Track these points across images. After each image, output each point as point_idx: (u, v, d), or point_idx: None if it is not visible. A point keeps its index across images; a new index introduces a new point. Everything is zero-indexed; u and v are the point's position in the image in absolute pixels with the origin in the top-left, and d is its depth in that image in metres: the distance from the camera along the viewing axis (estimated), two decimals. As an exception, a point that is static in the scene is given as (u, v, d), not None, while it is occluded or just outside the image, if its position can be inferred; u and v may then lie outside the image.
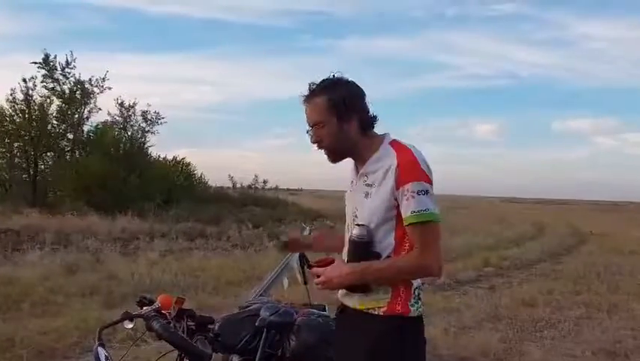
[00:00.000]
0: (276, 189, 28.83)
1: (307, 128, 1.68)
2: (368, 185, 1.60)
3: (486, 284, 7.84)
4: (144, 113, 21.29)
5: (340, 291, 1.67)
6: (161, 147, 35.69)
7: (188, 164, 22.86)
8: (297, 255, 3.15)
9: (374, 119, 1.66)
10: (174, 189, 20.11)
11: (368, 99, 1.67)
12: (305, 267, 3.13)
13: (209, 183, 24.31)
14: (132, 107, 21.13)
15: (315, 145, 1.67)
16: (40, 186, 18.96)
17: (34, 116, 18.66)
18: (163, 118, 21.68)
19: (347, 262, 1.62)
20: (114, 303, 5.55)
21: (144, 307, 1.72)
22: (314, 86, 1.65)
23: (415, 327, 1.59)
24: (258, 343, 2.14)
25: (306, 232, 3.60)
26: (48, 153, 19.67)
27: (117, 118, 21.14)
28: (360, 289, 1.58)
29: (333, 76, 1.66)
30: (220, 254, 9.66)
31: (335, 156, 1.68)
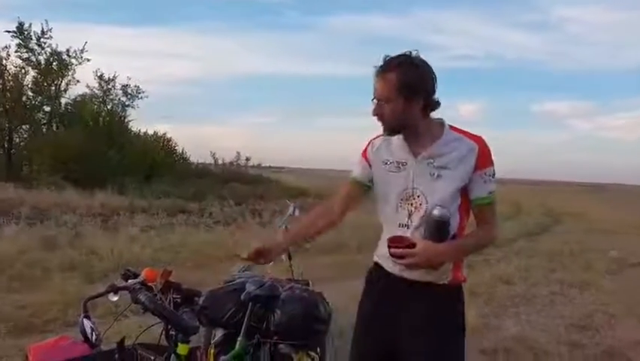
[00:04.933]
0: (259, 166, 28.62)
1: (372, 97, 1.69)
2: (439, 167, 1.66)
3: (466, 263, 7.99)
4: (124, 87, 20.81)
5: (394, 266, 1.71)
6: (141, 121, 34.98)
7: (170, 139, 22.53)
8: (282, 230, 3.17)
9: (438, 104, 1.70)
10: (155, 165, 19.83)
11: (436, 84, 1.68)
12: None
13: (190, 159, 24.06)
14: (112, 80, 20.61)
15: (375, 118, 1.70)
16: (16, 160, 18.51)
17: (8, 87, 18.09)
18: (144, 92, 21.24)
19: (427, 240, 1.65)
20: (94, 278, 5.51)
21: (129, 280, 1.71)
22: (388, 60, 1.66)
23: (463, 289, 1.79)
24: (242, 316, 2.15)
25: (290, 209, 3.62)
26: (23, 126, 19.15)
27: (96, 91, 20.62)
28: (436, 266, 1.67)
29: (410, 53, 1.66)
30: (202, 230, 9.62)
31: (391, 131, 1.72)
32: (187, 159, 23.59)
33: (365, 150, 1.85)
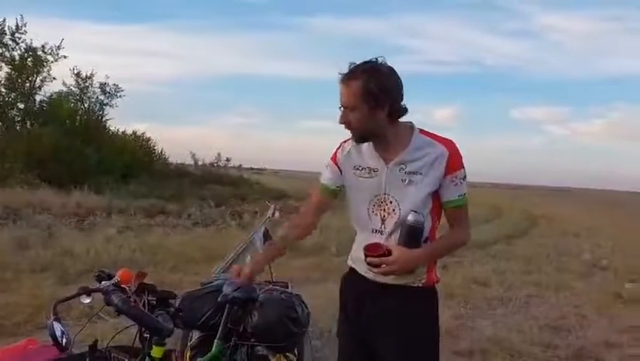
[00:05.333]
0: (240, 167, 28.47)
1: (339, 105, 1.68)
2: (411, 173, 1.67)
3: (440, 264, 8.05)
4: (102, 86, 20.53)
5: (367, 270, 1.71)
6: (120, 121, 34.54)
7: (149, 139, 22.28)
8: (260, 232, 3.16)
9: (405, 110, 1.70)
10: (133, 165, 19.56)
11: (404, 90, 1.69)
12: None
13: (169, 159, 23.81)
14: (89, 78, 20.32)
15: (343, 125, 1.70)
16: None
17: (-21, 83, 17.65)
18: (122, 91, 20.99)
19: (400, 245, 1.66)
20: (68, 280, 5.39)
21: (103, 282, 1.68)
22: (353, 68, 1.65)
23: (437, 290, 1.81)
24: (219, 319, 2.13)
25: (271, 211, 3.61)
26: (-4, 123, 18.70)
27: (73, 89, 20.27)
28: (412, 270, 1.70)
29: (376, 60, 1.65)
30: (180, 232, 9.50)
31: (360, 138, 1.72)
32: (166, 160, 23.36)
33: (335, 154, 1.84)
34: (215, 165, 26.22)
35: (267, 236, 3.10)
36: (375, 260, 1.64)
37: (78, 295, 1.62)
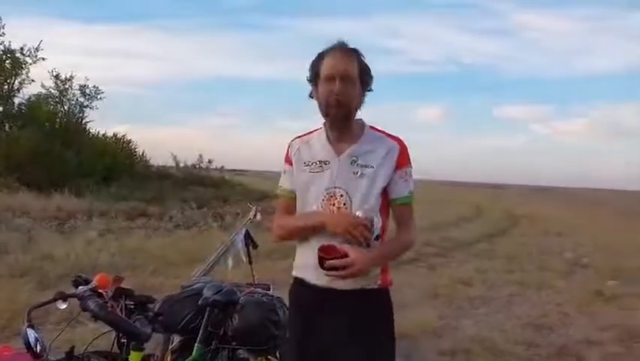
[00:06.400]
0: (222, 169, 28.27)
1: (328, 74, 1.60)
2: (362, 166, 1.62)
3: (424, 264, 8.10)
4: (82, 88, 20.21)
5: (322, 277, 1.59)
6: (100, 123, 34.02)
7: (130, 141, 22.00)
8: (242, 234, 3.13)
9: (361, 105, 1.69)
10: (114, 167, 19.30)
11: None
12: (250, 247, 3.12)
13: (151, 161, 23.54)
14: (69, 80, 19.97)
15: (333, 99, 1.60)
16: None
17: (-44, 85, 17.26)
18: (102, 93, 20.69)
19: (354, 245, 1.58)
20: (48, 284, 5.28)
21: (80, 287, 1.65)
22: (346, 45, 1.63)
23: (390, 293, 1.73)
24: (200, 322, 2.11)
25: (252, 213, 3.58)
26: (-27, 126, 18.30)
27: (52, 91, 19.92)
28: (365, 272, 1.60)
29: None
30: (162, 234, 9.40)
31: (344, 116, 1.63)
32: (147, 162, 23.10)
33: (287, 154, 1.76)
34: (197, 166, 26.00)
35: (248, 238, 3.09)
36: (336, 263, 1.52)
37: (54, 300, 1.59)
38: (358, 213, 1.56)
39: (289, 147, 1.76)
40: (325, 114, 1.65)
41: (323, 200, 1.64)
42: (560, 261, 8.69)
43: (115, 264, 6.24)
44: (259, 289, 2.44)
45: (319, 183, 1.65)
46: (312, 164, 1.67)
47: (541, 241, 11.31)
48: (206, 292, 2.11)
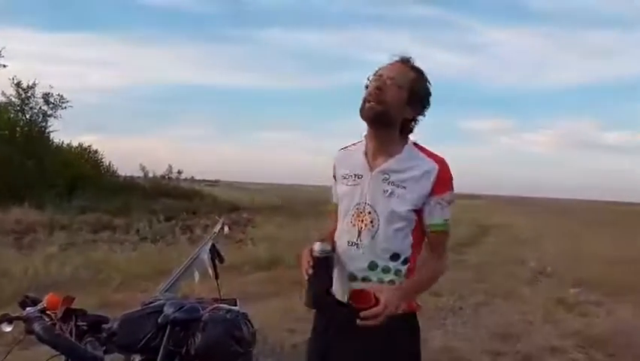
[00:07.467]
0: (192, 180, 27.89)
1: (377, 74, 1.60)
2: (393, 184, 1.57)
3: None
4: (46, 96, 19.64)
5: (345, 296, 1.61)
6: (65, 132, 33.14)
7: (96, 151, 21.49)
8: (207, 247, 3.05)
9: (414, 127, 1.65)
10: (80, 178, 18.77)
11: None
12: (216, 260, 3.04)
13: (118, 171, 23.02)
14: (31, 88, 19.41)
15: (373, 91, 1.56)
16: None
17: None
18: (67, 102, 20.15)
19: (315, 275, 1.55)
20: (2, 303, 5.04)
21: (27, 308, 1.55)
22: (410, 61, 1.61)
23: (417, 317, 1.69)
24: (160, 341, 2.02)
25: (219, 225, 3.49)
26: None
27: (13, 99, 19.29)
28: None
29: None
30: (128, 248, 9.15)
31: (376, 116, 1.57)
32: (115, 172, 22.58)
33: (333, 169, 1.77)
34: (167, 177, 25.58)
35: (214, 251, 3.00)
36: (367, 314, 1.45)
37: (-2, 323, 1.49)
38: (315, 248, 1.54)
39: (334, 162, 1.77)
40: (361, 109, 1.60)
41: (353, 215, 1.62)
42: (526, 270, 8.87)
43: (77, 279, 6.04)
44: (224, 305, 2.37)
45: (351, 197, 1.64)
46: (349, 177, 1.67)
47: (508, 251, 11.54)
48: (167, 310, 2.02)
